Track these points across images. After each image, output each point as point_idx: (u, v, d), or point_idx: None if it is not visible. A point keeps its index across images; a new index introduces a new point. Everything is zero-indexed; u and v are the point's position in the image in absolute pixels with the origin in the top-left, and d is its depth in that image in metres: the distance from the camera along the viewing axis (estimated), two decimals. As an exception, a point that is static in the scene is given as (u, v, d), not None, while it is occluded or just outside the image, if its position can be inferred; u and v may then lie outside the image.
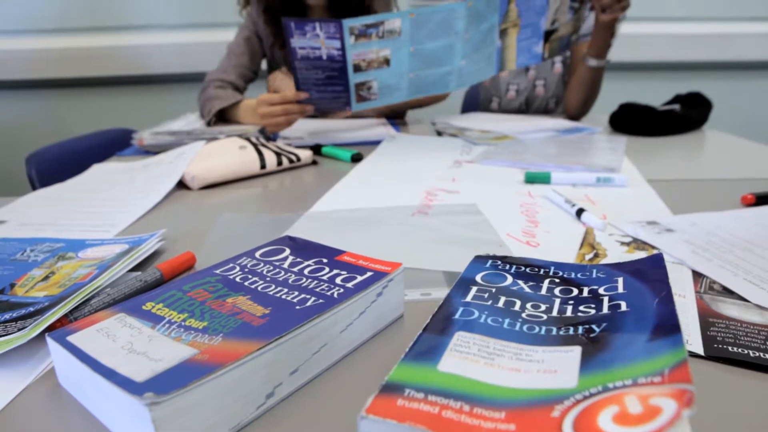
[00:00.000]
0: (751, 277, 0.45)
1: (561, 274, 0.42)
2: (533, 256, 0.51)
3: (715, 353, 0.35)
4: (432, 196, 0.72)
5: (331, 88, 1.01)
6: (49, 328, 0.37)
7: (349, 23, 0.94)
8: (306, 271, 0.40)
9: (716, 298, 0.42)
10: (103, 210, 0.69)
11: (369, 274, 0.39)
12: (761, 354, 0.34)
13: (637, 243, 0.54)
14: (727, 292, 0.43)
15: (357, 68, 0.99)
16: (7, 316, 0.39)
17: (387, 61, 0.99)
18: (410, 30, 0.96)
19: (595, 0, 1.05)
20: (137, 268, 0.50)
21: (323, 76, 1.00)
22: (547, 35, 1.00)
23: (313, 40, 0.95)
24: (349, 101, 1.02)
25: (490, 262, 0.44)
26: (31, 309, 0.39)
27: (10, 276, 0.46)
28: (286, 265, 0.41)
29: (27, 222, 0.65)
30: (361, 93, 1.02)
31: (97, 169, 0.91)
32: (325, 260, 0.42)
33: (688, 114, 1.14)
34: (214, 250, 0.55)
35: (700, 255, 0.50)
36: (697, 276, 0.46)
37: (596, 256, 0.51)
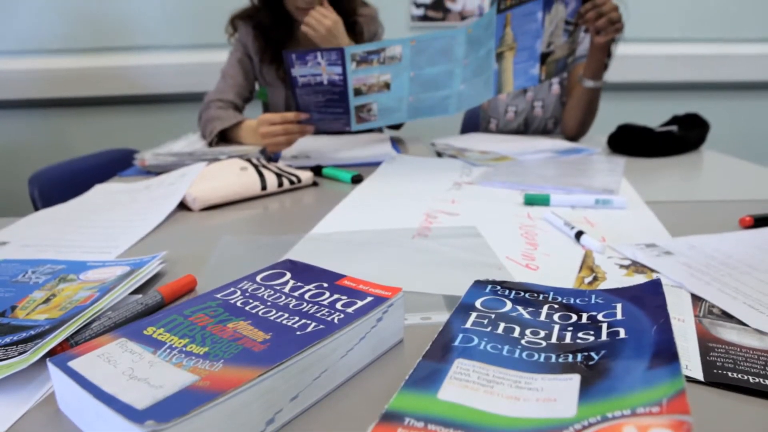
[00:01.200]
0: (751, 300, 0.45)
1: (560, 299, 0.42)
2: (532, 279, 0.52)
3: (715, 379, 0.35)
4: (432, 218, 0.72)
5: (331, 109, 1.03)
6: (50, 352, 0.37)
7: (350, 50, 0.96)
8: (306, 296, 0.40)
9: (715, 322, 0.42)
10: (105, 231, 0.69)
11: (369, 299, 0.39)
12: (761, 380, 0.34)
13: (636, 266, 0.54)
14: (727, 316, 0.43)
15: (357, 92, 1.00)
16: (7, 339, 0.39)
17: (387, 85, 1.00)
18: (410, 56, 0.98)
19: (590, 22, 1.07)
20: (138, 290, 0.50)
21: (324, 100, 1.02)
22: (544, 57, 1.02)
23: (314, 69, 0.97)
24: (349, 122, 1.04)
25: (489, 287, 0.45)
26: (32, 332, 0.39)
27: (12, 298, 0.47)
28: (286, 290, 0.41)
29: (29, 243, 0.65)
30: (361, 114, 1.03)
31: (98, 190, 0.92)
32: (325, 284, 0.42)
33: (686, 135, 1.15)
34: (215, 273, 0.55)
35: (699, 278, 0.50)
36: (697, 299, 0.46)
37: (595, 279, 0.52)
